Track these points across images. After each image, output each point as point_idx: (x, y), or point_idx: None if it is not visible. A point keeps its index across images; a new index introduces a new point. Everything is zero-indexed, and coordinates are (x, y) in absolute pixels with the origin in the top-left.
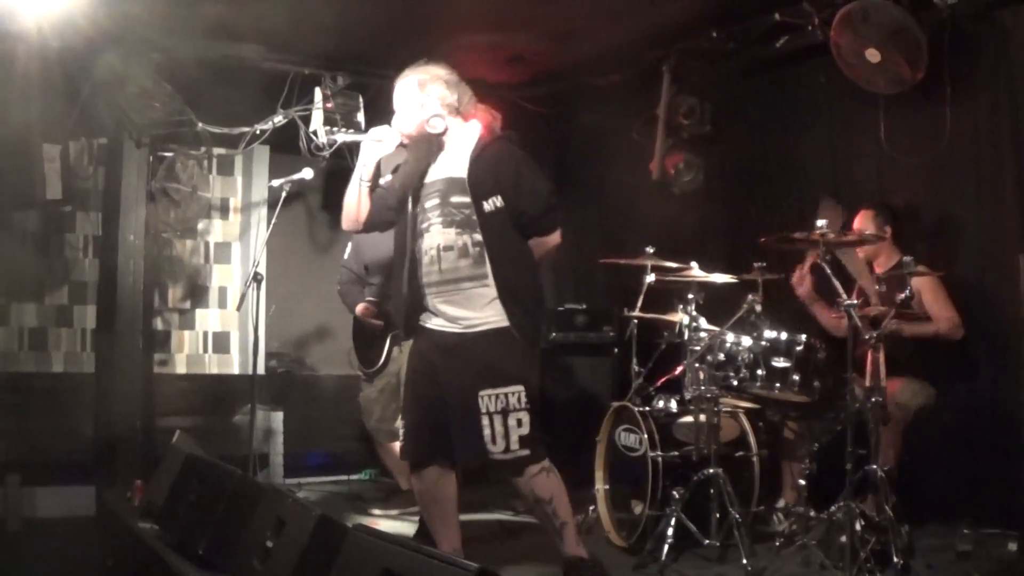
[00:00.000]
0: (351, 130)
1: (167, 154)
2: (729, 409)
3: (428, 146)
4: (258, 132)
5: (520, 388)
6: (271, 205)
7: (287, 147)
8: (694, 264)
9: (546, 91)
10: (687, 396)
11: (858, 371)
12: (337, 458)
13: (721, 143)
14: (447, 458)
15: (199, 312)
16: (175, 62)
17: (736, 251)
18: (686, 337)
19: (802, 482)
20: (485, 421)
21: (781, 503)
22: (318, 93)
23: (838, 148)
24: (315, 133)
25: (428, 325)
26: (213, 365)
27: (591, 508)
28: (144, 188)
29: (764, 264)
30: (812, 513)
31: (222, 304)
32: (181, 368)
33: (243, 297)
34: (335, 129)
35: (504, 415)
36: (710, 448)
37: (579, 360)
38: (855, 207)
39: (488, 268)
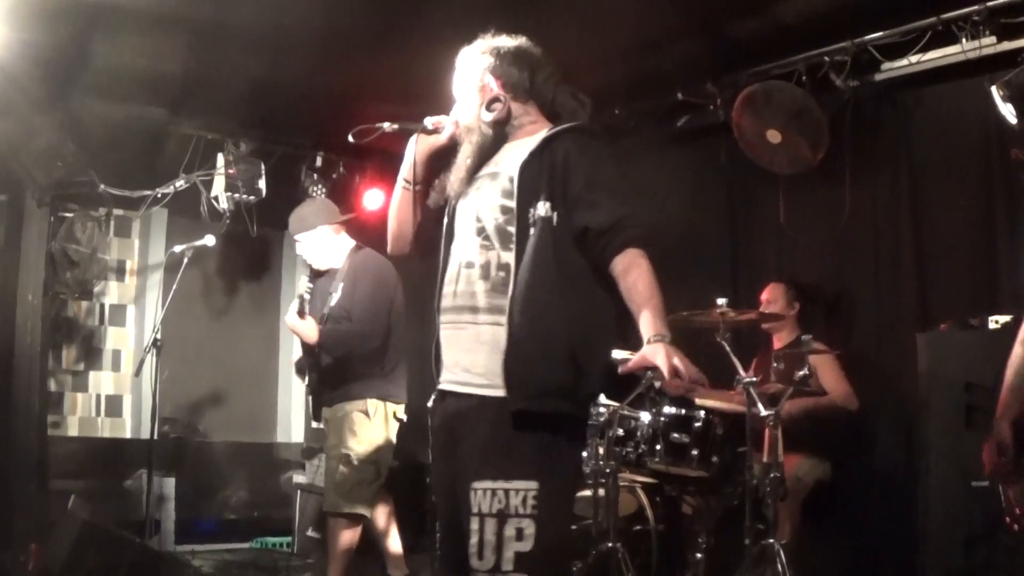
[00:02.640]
0: (395, 124)
1: (67, 214)
2: (627, 483)
3: (482, 137)
4: (159, 195)
5: (531, 487)
6: (170, 269)
7: (185, 210)
8: None
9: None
10: (586, 470)
11: (756, 446)
12: (228, 525)
13: None
14: None
15: (92, 374)
16: (79, 121)
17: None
18: None
19: (699, 556)
20: (474, 524)
21: None
22: (220, 158)
23: (738, 226)
24: (216, 198)
25: (441, 385)
26: (106, 428)
27: None
28: (44, 247)
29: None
30: None
31: (115, 367)
32: (74, 431)
33: (141, 363)
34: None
35: (500, 520)
36: (609, 522)
37: None
38: (755, 285)
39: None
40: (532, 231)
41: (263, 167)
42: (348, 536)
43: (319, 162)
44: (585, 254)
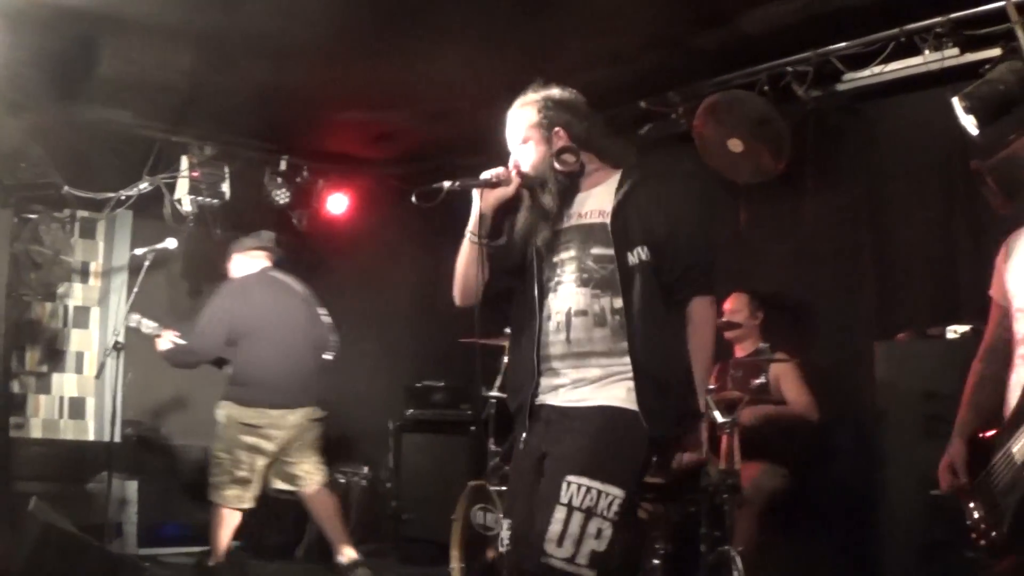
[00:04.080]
0: (457, 182)
1: (31, 216)
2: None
3: (558, 186)
4: (123, 198)
5: (619, 494)
6: (133, 272)
7: (150, 213)
8: None
9: (416, 169)
10: None
11: (714, 453)
12: (192, 529)
13: None
14: None
15: (56, 376)
16: (44, 123)
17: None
18: None
19: (656, 562)
20: (559, 513)
21: None
22: (184, 161)
23: None
24: (179, 201)
25: (542, 401)
26: (69, 431)
27: None
28: (7, 249)
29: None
30: None
31: (79, 369)
32: (37, 432)
33: (102, 365)
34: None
35: (587, 516)
36: None
37: (436, 438)
38: (716, 294)
39: (627, 343)
40: (635, 275)
41: (227, 170)
42: (215, 520)
43: (283, 166)
44: (669, 294)
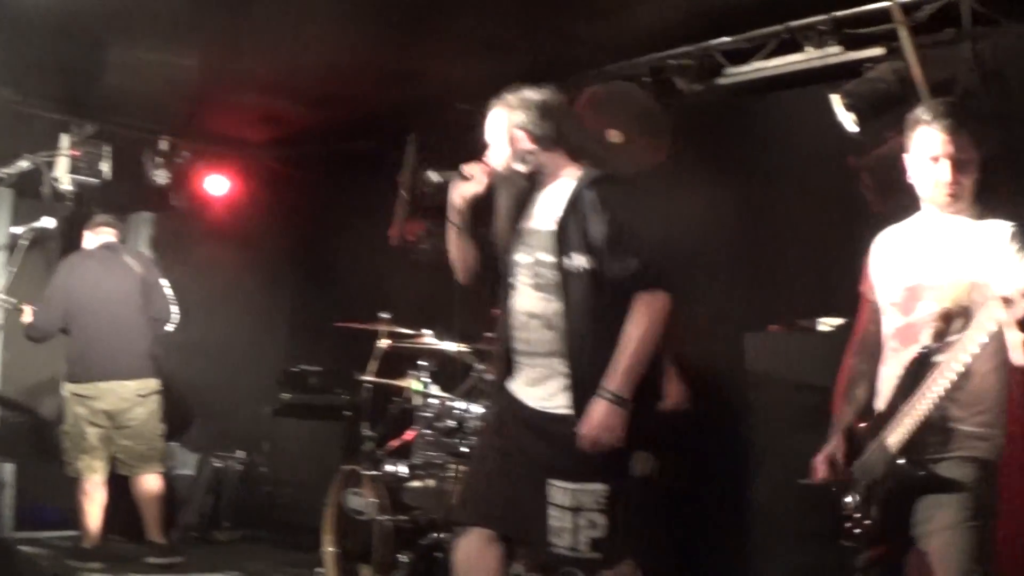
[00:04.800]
0: (440, 176)
1: None
2: (458, 475)
3: (514, 186)
4: (2, 176)
5: (598, 488)
6: (10, 251)
7: (31, 191)
8: (428, 331)
9: (297, 153)
10: (417, 461)
11: None
12: (74, 513)
13: None
14: (498, 526)
15: None
16: None
17: (471, 321)
18: (418, 403)
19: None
20: (553, 512)
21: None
22: (64, 139)
23: None
24: (58, 179)
25: (511, 388)
26: None
27: (317, 571)
28: None
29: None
30: None
31: None
32: None
33: None
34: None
35: (575, 513)
36: (438, 513)
37: (311, 422)
38: None
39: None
40: (573, 282)
41: (107, 150)
42: (78, 498)
43: (163, 146)
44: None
